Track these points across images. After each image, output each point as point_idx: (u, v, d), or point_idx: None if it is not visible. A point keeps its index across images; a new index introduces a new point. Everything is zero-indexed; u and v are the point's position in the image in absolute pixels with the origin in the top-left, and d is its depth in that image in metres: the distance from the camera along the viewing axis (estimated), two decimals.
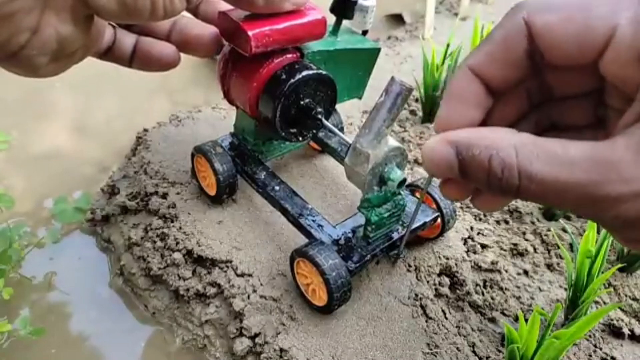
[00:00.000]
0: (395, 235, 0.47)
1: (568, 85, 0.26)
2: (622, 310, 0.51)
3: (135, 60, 0.43)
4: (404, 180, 0.41)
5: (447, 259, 0.53)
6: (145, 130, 0.67)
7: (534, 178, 0.22)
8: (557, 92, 0.26)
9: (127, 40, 0.42)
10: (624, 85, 0.22)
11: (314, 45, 0.47)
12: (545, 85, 0.26)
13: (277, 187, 0.52)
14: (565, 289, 0.53)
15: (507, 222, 0.60)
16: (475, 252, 0.55)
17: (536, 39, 0.23)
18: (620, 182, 0.20)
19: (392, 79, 0.35)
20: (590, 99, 0.26)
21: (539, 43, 0.23)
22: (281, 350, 0.44)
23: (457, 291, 0.51)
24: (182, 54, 0.45)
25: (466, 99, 0.25)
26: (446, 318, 0.48)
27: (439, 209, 0.51)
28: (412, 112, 0.78)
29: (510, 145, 0.22)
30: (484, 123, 0.26)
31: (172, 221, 0.55)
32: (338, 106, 0.53)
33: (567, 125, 0.27)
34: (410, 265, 0.52)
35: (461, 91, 0.25)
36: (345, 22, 0.50)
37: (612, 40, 0.21)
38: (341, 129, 0.61)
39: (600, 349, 0.47)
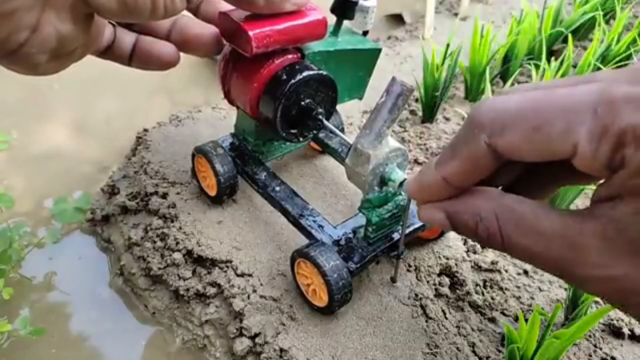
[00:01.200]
0: (396, 236, 0.47)
1: None
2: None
3: (135, 58, 0.43)
4: (405, 180, 0.41)
5: (447, 259, 0.53)
6: (145, 130, 0.67)
7: (514, 245, 0.25)
8: None
9: (127, 38, 0.42)
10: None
11: (315, 46, 0.47)
12: None
13: (277, 188, 0.52)
14: (565, 289, 0.53)
15: None
16: (475, 252, 0.55)
17: (504, 156, 0.25)
18: (587, 266, 0.22)
19: (393, 79, 0.35)
20: None
21: (507, 157, 0.25)
22: (281, 350, 0.44)
23: (457, 291, 0.51)
24: (181, 54, 0.45)
25: (436, 196, 0.29)
26: (446, 318, 0.48)
27: None
28: (412, 112, 0.78)
29: (491, 212, 0.25)
30: None
31: (172, 221, 0.55)
32: (338, 107, 0.53)
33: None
34: (410, 265, 0.52)
35: (431, 192, 0.29)
36: (345, 23, 0.50)
37: (576, 155, 0.22)
38: (342, 130, 0.61)
39: (600, 349, 0.48)
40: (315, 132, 0.50)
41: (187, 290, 0.50)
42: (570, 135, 0.22)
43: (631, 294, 0.22)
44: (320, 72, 0.45)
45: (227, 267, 0.50)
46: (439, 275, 0.52)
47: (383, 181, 0.41)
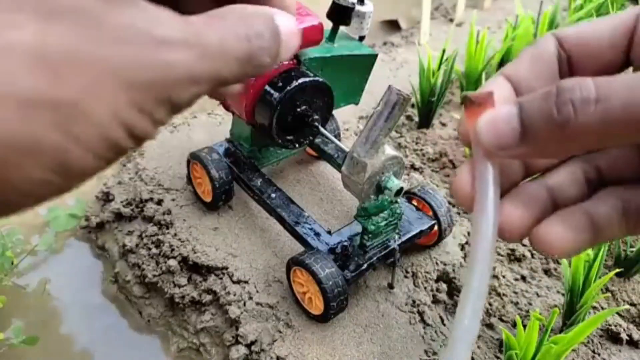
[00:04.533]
0: (392, 244, 0.47)
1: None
2: (620, 315, 0.51)
3: None
4: (401, 189, 0.41)
5: (445, 264, 0.52)
6: None
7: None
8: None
9: None
10: None
11: (311, 52, 0.47)
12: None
13: (273, 195, 0.51)
14: (563, 294, 0.53)
15: None
16: None
17: (566, 46, 0.21)
18: None
19: (389, 88, 0.35)
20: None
21: (569, 50, 0.21)
22: (278, 358, 0.43)
23: (455, 297, 0.51)
24: None
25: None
26: (444, 324, 0.48)
27: (435, 216, 0.50)
28: (409, 118, 0.78)
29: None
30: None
31: (167, 228, 0.54)
32: (335, 112, 0.53)
33: (618, 178, 0.22)
34: (407, 272, 0.52)
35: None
36: (342, 28, 0.50)
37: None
38: (338, 135, 0.61)
39: (599, 354, 0.47)
40: (311, 138, 0.50)
41: (183, 297, 0.50)
42: (632, 12, 0.21)
43: None
44: (316, 78, 0.45)
45: (223, 274, 0.50)
46: (437, 281, 0.52)
47: (379, 189, 0.41)
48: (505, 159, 0.21)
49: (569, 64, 0.22)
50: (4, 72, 0.13)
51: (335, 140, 0.46)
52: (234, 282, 0.49)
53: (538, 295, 0.52)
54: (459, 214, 0.60)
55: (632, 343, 0.49)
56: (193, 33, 0.17)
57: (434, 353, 0.45)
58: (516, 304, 0.51)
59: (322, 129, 0.47)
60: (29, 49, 0.13)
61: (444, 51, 0.71)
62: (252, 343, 0.45)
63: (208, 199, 0.54)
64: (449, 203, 0.53)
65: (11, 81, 0.13)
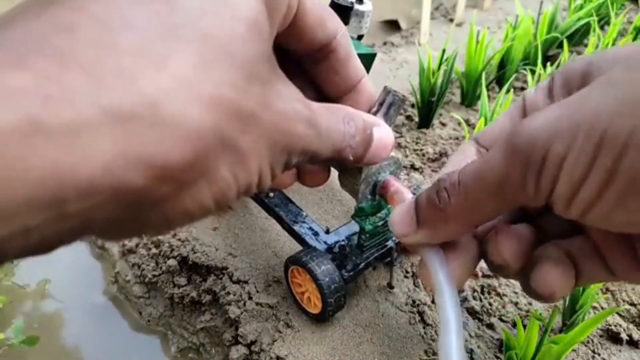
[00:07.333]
0: (390, 244, 0.46)
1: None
2: (620, 315, 0.51)
3: None
4: None
5: None
6: None
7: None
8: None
9: None
10: None
11: None
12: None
13: (271, 194, 0.51)
14: None
15: None
16: None
17: (482, 143, 0.27)
18: None
19: (385, 88, 0.34)
20: None
21: (486, 144, 0.27)
22: (277, 358, 0.43)
23: None
24: None
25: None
26: None
27: None
28: (409, 118, 0.78)
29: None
30: None
31: None
32: None
33: (554, 235, 0.26)
34: (407, 272, 0.52)
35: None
36: None
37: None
38: None
39: (599, 354, 0.47)
40: None
41: (182, 297, 0.50)
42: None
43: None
44: None
45: (223, 274, 0.50)
46: None
47: (376, 189, 0.41)
48: (415, 245, 0.25)
49: None
50: (210, 111, 0.15)
51: None
52: (233, 282, 0.49)
53: None
54: None
55: (632, 343, 0.49)
56: (313, 116, 0.20)
57: (434, 353, 0.45)
58: (516, 304, 0.51)
59: None
60: (228, 99, 0.16)
61: (444, 51, 0.71)
62: (252, 343, 0.45)
63: None
64: None
65: (215, 121, 0.15)
